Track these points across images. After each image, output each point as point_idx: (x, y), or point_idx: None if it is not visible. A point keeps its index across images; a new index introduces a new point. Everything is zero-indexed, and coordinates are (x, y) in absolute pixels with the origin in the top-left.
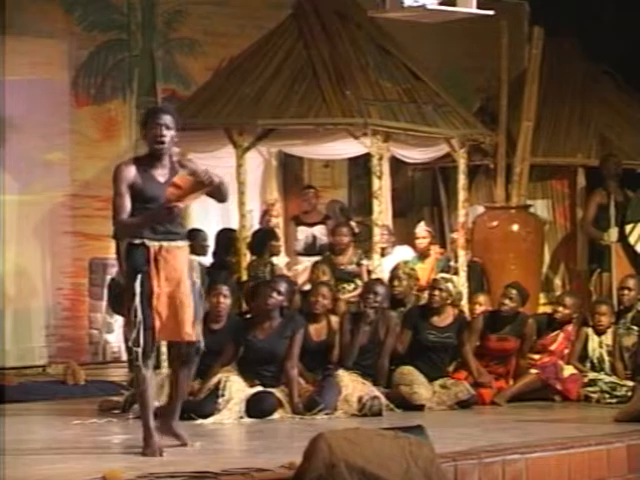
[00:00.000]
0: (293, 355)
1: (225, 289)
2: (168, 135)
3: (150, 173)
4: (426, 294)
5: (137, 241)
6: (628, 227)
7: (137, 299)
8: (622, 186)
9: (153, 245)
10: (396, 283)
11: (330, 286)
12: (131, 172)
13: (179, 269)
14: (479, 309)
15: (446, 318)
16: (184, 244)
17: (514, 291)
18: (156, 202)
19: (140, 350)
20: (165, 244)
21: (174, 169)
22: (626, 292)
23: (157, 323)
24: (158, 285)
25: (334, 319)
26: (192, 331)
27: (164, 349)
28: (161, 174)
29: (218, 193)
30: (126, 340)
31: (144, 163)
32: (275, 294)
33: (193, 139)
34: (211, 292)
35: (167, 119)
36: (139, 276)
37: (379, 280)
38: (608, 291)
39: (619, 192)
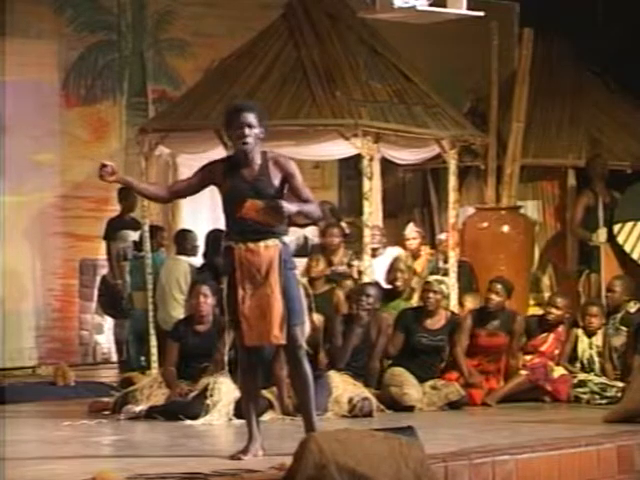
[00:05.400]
0: (281, 356)
1: (205, 289)
2: (252, 134)
3: (237, 171)
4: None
5: (226, 244)
6: (616, 227)
7: (225, 303)
8: (609, 187)
9: (238, 247)
10: (399, 275)
11: (305, 285)
12: (216, 170)
13: (264, 269)
14: (466, 309)
15: (439, 321)
16: (274, 243)
17: (499, 285)
18: (240, 200)
19: (228, 355)
20: (251, 245)
21: (266, 167)
22: (609, 294)
23: (244, 327)
24: (242, 288)
25: (316, 317)
26: (280, 333)
27: (154, 350)
28: (248, 172)
29: (306, 219)
30: (116, 341)
31: (232, 162)
32: None
33: (183, 140)
34: (191, 293)
35: (250, 117)
36: (225, 279)
37: (370, 282)
38: (597, 292)
39: (606, 193)
